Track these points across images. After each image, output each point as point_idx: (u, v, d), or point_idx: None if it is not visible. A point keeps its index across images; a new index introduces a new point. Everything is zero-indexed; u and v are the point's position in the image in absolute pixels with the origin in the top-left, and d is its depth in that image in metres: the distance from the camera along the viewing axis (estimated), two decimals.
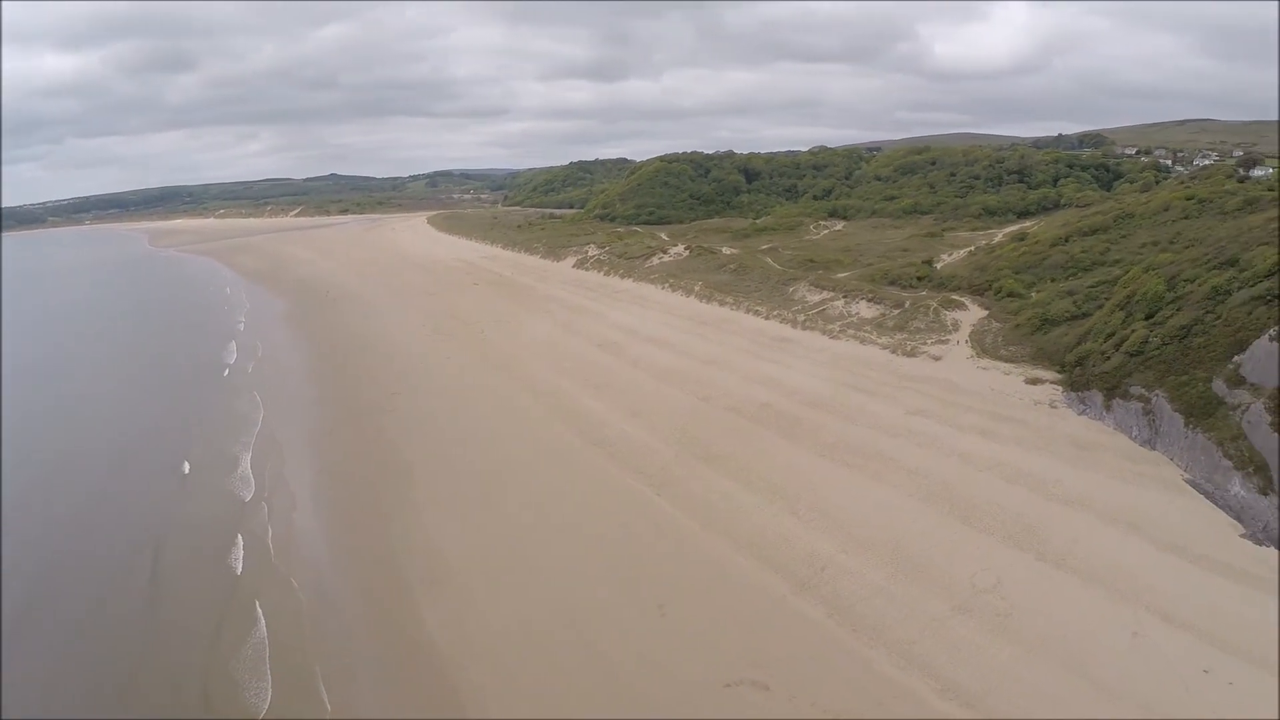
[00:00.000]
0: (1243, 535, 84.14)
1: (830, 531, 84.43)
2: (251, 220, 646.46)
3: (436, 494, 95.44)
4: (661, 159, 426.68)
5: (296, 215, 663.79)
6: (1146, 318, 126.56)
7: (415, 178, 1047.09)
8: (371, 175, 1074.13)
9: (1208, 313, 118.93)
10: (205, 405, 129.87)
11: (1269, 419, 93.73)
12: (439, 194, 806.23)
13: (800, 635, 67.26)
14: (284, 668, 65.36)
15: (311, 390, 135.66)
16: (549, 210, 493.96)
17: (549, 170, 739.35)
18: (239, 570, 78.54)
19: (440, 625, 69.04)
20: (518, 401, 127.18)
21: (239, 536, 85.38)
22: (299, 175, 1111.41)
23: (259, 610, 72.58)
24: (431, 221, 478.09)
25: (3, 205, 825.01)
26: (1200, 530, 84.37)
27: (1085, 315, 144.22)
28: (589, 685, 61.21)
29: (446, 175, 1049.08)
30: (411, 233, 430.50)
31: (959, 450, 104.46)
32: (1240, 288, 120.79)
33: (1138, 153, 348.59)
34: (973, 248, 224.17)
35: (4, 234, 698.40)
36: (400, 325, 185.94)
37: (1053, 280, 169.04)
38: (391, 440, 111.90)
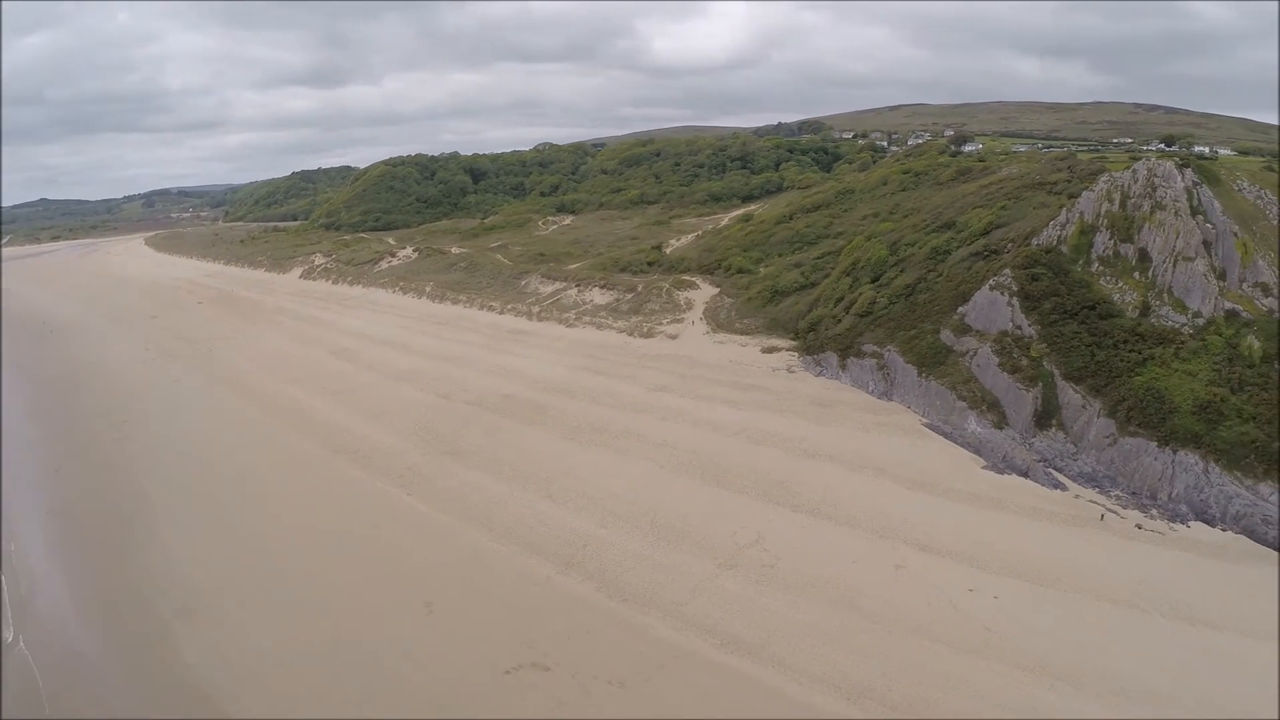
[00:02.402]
0: (984, 467, 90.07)
1: (587, 509, 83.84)
2: None
3: (179, 519, 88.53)
4: (385, 163, 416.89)
5: (5, 246, 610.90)
6: (873, 281, 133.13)
7: (131, 198, 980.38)
8: (85, 198, 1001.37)
9: (930, 271, 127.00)
10: None
11: (996, 360, 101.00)
12: (157, 214, 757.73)
13: (572, 613, 66.24)
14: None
15: (35, 429, 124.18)
16: (273, 223, 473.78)
17: (271, 182, 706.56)
18: (6, 634, 70.28)
19: (200, 655, 63.78)
20: (253, 417, 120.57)
21: None
22: (6, 202, 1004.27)
23: (30, 664, 65.43)
24: (150, 243, 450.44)
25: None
26: (945, 467, 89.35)
27: (814, 285, 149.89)
28: (365, 692, 57.94)
29: (164, 194, 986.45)
30: (130, 256, 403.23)
31: (705, 419, 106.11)
32: (959, 247, 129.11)
33: (855, 136, 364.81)
34: (700, 232, 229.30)
35: None
36: (124, 351, 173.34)
37: (780, 255, 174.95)
38: (124, 470, 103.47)
